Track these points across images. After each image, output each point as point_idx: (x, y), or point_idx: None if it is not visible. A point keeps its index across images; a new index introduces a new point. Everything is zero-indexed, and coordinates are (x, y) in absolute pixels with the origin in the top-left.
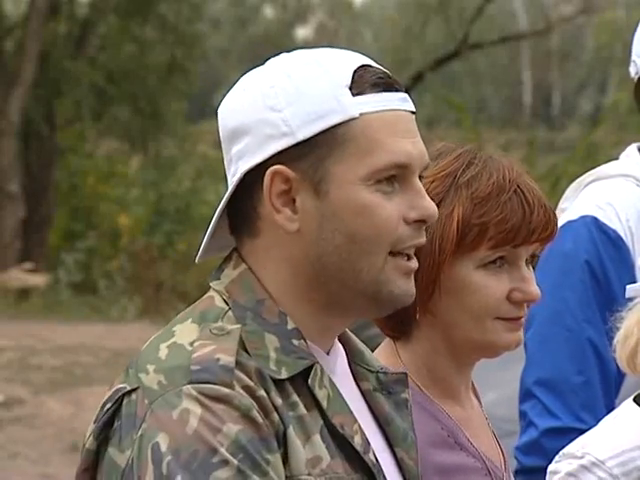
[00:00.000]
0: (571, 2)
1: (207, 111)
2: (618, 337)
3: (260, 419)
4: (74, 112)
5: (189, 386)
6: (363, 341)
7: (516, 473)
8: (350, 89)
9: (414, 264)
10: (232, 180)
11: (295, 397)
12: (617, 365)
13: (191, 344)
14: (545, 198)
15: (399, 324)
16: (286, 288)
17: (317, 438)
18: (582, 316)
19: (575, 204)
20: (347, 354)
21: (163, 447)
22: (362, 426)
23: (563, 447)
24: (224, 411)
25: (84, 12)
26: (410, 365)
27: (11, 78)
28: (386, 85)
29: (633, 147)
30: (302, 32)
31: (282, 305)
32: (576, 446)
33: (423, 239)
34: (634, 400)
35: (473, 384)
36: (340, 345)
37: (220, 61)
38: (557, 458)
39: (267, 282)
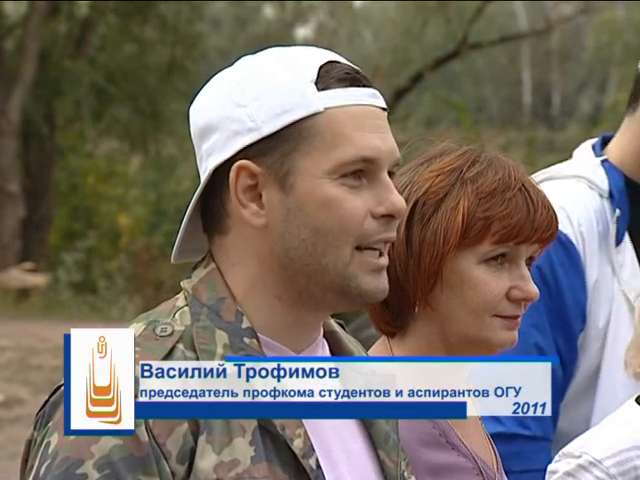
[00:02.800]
0: (571, 2)
1: None
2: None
3: (146, 437)
4: (74, 112)
5: None
6: (362, 341)
7: None
8: (315, 84)
9: (384, 261)
10: (202, 178)
11: None
12: (562, 371)
13: None
14: (548, 200)
15: (396, 318)
16: (254, 285)
17: (240, 441)
18: (530, 321)
19: None
20: (336, 356)
21: (50, 448)
22: (342, 427)
23: (509, 452)
24: None
25: (84, 12)
26: None
27: (11, 78)
28: (353, 80)
29: (587, 145)
30: (302, 32)
31: (247, 303)
32: (575, 445)
33: (393, 234)
34: (636, 400)
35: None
36: (325, 346)
37: (220, 61)
38: (556, 458)
39: (233, 280)
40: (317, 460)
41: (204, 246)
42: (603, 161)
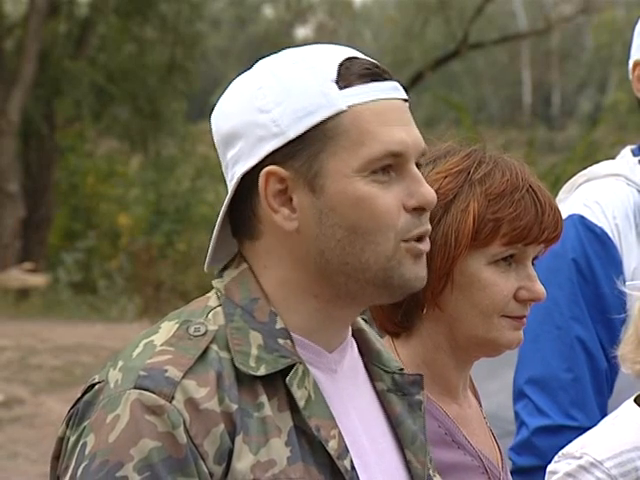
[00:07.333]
0: (571, 2)
1: (207, 111)
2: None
3: (184, 439)
4: (74, 112)
5: (132, 391)
6: None
7: (511, 474)
8: (336, 83)
9: (424, 246)
10: (230, 185)
11: (263, 398)
12: (608, 362)
13: (160, 346)
14: (554, 200)
15: (403, 318)
16: (288, 285)
17: (276, 441)
18: (570, 314)
19: (566, 204)
20: (364, 354)
21: (87, 449)
22: (373, 426)
23: (555, 445)
24: (149, 423)
25: (84, 12)
26: (409, 362)
27: (11, 78)
28: (374, 75)
29: (627, 149)
30: (302, 32)
31: (281, 302)
32: (575, 446)
33: (428, 226)
34: (635, 401)
35: (472, 383)
36: (354, 344)
37: (220, 61)
38: (556, 458)
39: (266, 281)
40: (351, 461)
41: (235, 250)
42: None
